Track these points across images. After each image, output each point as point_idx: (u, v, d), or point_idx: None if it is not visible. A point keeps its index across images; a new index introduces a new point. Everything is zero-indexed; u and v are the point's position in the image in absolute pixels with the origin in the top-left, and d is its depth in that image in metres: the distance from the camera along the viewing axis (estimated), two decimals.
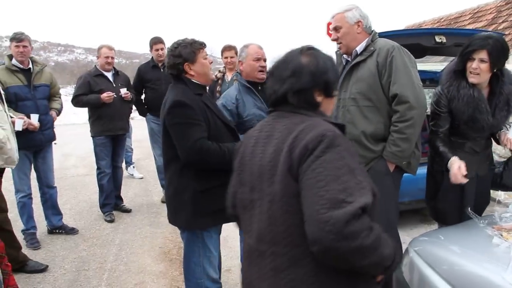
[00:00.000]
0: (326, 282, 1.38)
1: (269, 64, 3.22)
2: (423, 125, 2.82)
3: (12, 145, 3.17)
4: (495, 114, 2.66)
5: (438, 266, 2.02)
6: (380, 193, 1.45)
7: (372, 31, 2.80)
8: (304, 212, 1.30)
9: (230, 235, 4.24)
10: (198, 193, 2.43)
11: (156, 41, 5.59)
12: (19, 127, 3.69)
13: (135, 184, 6.90)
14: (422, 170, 2.96)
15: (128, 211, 5.48)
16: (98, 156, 5.19)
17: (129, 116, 5.57)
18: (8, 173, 6.08)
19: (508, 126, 2.74)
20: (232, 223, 2.66)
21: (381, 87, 2.66)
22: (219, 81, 5.26)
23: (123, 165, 6.50)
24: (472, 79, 2.60)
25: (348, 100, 2.77)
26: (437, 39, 3.54)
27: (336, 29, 2.79)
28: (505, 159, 2.96)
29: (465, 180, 2.50)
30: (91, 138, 5.21)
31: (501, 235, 2.07)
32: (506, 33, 8.02)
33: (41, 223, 4.69)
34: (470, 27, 10.46)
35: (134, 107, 5.81)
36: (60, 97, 4.63)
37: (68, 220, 5.07)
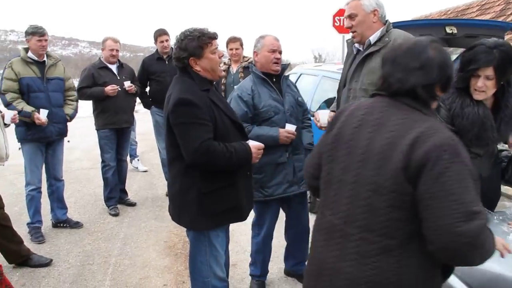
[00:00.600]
0: (408, 275, 1.44)
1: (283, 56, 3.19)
2: None
3: (0, 140, 3.16)
4: (500, 129, 2.46)
5: None
6: None
7: (387, 21, 2.72)
8: (432, 220, 1.35)
9: (236, 229, 4.20)
10: (203, 194, 2.33)
11: (160, 33, 5.53)
12: (7, 120, 3.66)
13: (140, 177, 6.86)
14: None
15: (132, 204, 5.44)
16: (103, 149, 5.16)
17: (133, 109, 5.52)
18: (17, 167, 6.09)
19: None
20: (238, 223, 2.64)
21: None
22: (224, 73, 5.20)
23: (128, 158, 6.47)
24: (477, 96, 2.36)
25: (359, 90, 2.69)
26: (448, 30, 3.45)
27: (351, 16, 2.70)
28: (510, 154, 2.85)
29: None
30: (96, 131, 5.17)
31: None
32: None
33: (46, 216, 4.65)
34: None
35: (138, 100, 5.78)
36: (74, 99, 4.61)
37: (72, 213, 5.04)
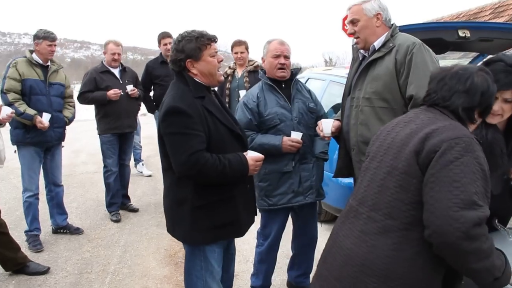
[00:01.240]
0: (401, 262, 1.49)
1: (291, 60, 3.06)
2: None
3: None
4: (511, 154, 2.19)
5: None
6: None
7: (392, 24, 2.57)
8: (431, 203, 1.42)
9: (238, 238, 4.06)
10: (196, 208, 2.20)
11: (164, 36, 5.46)
12: (3, 114, 3.55)
13: (144, 182, 6.78)
14: None
15: (135, 210, 5.35)
16: (105, 154, 5.08)
17: (137, 113, 5.44)
18: (15, 170, 6.03)
19: None
20: (235, 238, 2.51)
21: (398, 87, 2.44)
22: (229, 78, 5.11)
23: (132, 162, 6.40)
24: (491, 120, 2.04)
25: (363, 99, 2.56)
26: (461, 33, 3.29)
27: (353, 22, 2.56)
28: None
29: None
30: (98, 135, 5.09)
31: None
32: None
33: (46, 222, 4.58)
34: None
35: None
36: (73, 105, 4.55)
37: (74, 219, 4.97)
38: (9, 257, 3.57)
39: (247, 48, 5.23)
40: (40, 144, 4.17)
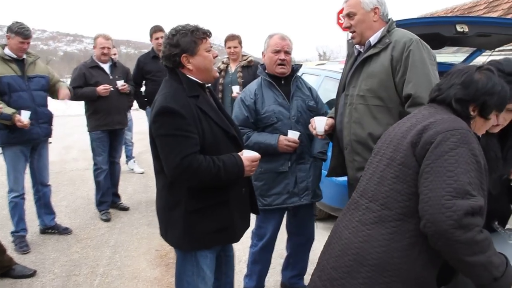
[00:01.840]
0: (395, 251, 1.50)
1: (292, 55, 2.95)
2: None
3: None
4: (507, 158, 2.13)
5: None
6: None
7: (389, 19, 2.48)
8: (425, 193, 1.43)
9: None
10: (189, 212, 2.10)
11: (156, 30, 5.33)
12: None
13: (135, 179, 6.66)
14: None
15: (125, 209, 5.23)
16: (95, 152, 4.96)
17: (128, 109, 5.31)
18: (3, 168, 5.89)
19: None
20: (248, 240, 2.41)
21: (394, 85, 2.36)
22: (222, 73, 4.99)
23: (123, 159, 6.27)
24: (494, 129, 1.90)
25: (357, 97, 2.46)
26: (458, 28, 3.20)
27: (350, 15, 2.47)
28: None
29: None
30: (88, 132, 4.96)
31: None
32: None
33: (34, 221, 4.46)
34: None
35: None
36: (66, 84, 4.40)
37: (63, 218, 4.85)
38: None
39: (240, 43, 5.11)
40: (27, 143, 4.02)
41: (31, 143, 4.07)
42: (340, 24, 10.50)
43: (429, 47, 2.38)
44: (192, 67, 2.12)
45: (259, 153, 2.24)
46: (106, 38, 4.85)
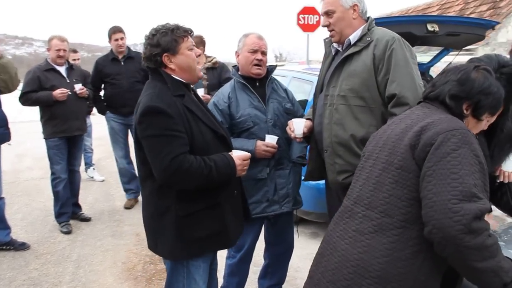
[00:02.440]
0: (398, 261, 1.43)
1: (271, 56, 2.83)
2: None
3: None
4: (493, 155, 2.07)
5: None
6: None
7: (368, 17, 2.42)
8: (429, 197, 1.36)
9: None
10: (181, 217, 2.00)
11: (115, 30, 5.08)
12: None
13: (96, 187, 6.34)
14: None
15: (87, 219, 4.94)
16: (52, 160, 4.65)
17: (86, 114, 5.03)
18: None
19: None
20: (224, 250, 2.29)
21: (376, 84, 2.30)
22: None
23: (82, 167, 5.96)
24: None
25: (337, 97, 2.39)
26: (429, 27, 3.20)
27: (328, 13, 2.39)
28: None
29: None
30: (44, 140, 4.65)
31: None
32: None
33: None
34: None
35: None
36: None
37: (18, 232, 4.52)
38: None
39: (203, 44, 4.96)
40: None
41: None
42: (300, 25, 10.52)
43: (410, 46, 2.34)
44: (175, 67, 2.06)
45: None
46: (62, 40, 4.56)
